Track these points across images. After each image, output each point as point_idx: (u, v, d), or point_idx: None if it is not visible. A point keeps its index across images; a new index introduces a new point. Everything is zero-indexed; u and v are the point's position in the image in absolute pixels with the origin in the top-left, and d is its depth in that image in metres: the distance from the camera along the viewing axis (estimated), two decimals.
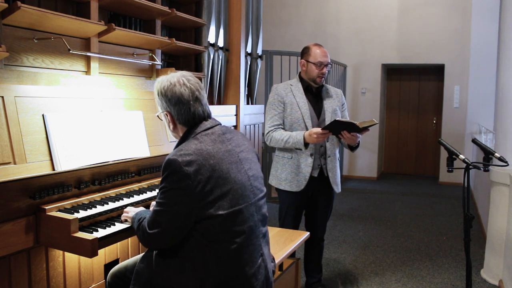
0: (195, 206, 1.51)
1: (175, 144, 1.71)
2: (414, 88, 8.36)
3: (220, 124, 1.73)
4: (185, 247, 1.56)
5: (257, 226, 1.66)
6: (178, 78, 1.66)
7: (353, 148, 2.81)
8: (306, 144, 2.69)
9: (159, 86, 1.68)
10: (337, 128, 2.59)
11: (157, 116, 1.78)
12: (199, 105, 1.67)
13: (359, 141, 2.75)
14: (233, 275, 1.58)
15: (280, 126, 2.83)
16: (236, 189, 1.58)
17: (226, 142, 1.65)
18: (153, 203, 2.04)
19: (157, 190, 2.30)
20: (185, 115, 1.66)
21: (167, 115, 1.70)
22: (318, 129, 2.61)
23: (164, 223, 1.54)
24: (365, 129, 2.57)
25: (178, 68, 3.42)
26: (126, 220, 1.92)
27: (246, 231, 1.60)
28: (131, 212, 1.89)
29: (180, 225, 1.53)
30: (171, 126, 1.72)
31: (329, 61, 2.82)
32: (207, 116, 1.71)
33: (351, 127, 2.56)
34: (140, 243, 2.48)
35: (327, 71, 2.82)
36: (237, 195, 1.58)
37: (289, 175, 2.82)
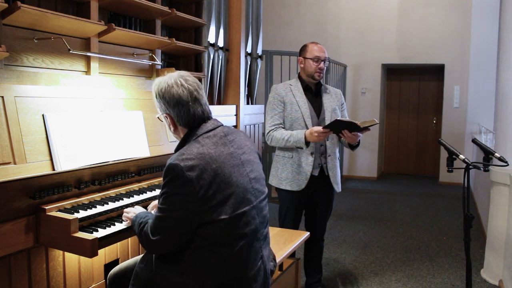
0: (198, 211, 1.49)
1: (175, 144, 1.70)
2: (414, 88, 8.36)
3: (222, 125, 1.70)
4: (186, 252, 1.55)
5: (258, 229, 1.65)
6: (175, 79, 1.63)
7: (353, 147, 2.82)
8: (307, 143, 2.69)
9: (157, 88, 1.65)
10: (338, 127, 2.59)
11: (158, 117, 1.76)
12: (198, 106, 1.64)
13: (359, 140, 2.75)
14: (234, 276, 1.58)
15: (281, 125, 2.83)
16: (238, 193, 1.56)
17: (228, 145, 1.62)
18: (153, 203, 2.04)
19: (157, 190, 2.30)
20: (185, 116, 1.63)
21: (167, 117, 1.68)
22: (319, 128, 2.61)
23: (167, 229, 1.52)
24: (366, 128, 2.58)
25: (178, 68, 3.42)
26: (127, 220, 1.91)
27: (248, 234, 1.59)
28: (131, 213, 1.88)
29: (183, 230, 1.52)
30: (172, 128, 1.70)
31: (327, 57, 2.83)
32: (207, 117, 1.68)
33: (352, 127, 2.56)
34: (140, 244, 2.49)
35: (325, 67, 2.82)
36: (239, 198, 1.56)
37: (289, 175, 2.82)
